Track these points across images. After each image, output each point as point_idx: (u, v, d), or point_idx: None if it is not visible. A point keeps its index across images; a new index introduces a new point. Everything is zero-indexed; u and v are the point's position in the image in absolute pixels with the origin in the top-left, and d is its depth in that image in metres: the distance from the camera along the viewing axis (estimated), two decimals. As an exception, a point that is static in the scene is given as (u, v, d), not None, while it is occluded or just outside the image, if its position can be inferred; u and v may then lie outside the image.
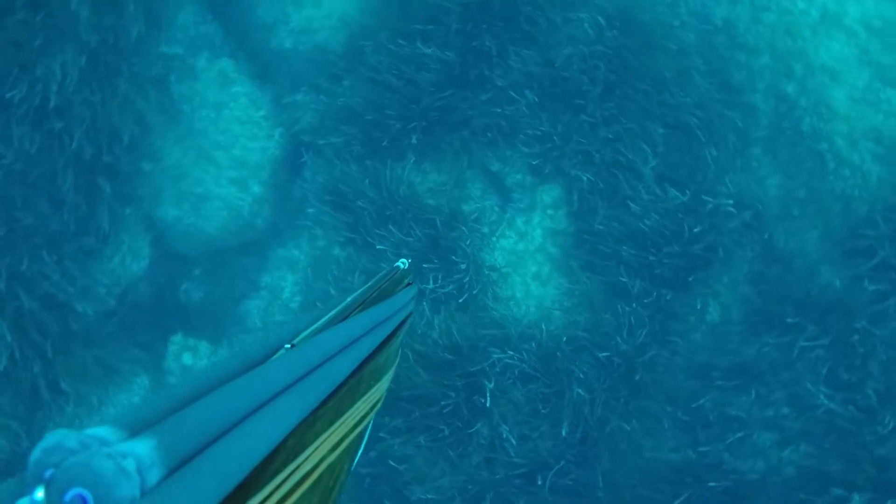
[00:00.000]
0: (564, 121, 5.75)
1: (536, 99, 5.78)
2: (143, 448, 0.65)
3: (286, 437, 0.90)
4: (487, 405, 5.36)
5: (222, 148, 6.20)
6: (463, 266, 5.67)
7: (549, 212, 5.97)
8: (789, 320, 5.53)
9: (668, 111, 5.81)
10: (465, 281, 5.67)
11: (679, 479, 5.46)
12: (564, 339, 5.65)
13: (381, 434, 5.37)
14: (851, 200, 5.74)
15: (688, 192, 5.79)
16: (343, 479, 1.19)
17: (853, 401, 5.26)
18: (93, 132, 5.43)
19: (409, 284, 1.94)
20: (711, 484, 5.32)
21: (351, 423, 1.19)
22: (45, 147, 5.31)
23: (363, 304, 1.48)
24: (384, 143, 5.83)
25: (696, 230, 5.68)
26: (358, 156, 5.91)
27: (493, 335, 5.62)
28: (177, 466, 0.69)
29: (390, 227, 5.74)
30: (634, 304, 5.70)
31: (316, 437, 1.02)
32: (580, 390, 5.46)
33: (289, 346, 1.08)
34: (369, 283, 1.68)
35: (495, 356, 5.48)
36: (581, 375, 5.51)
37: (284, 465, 0.90)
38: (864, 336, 5.35)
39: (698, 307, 5.80)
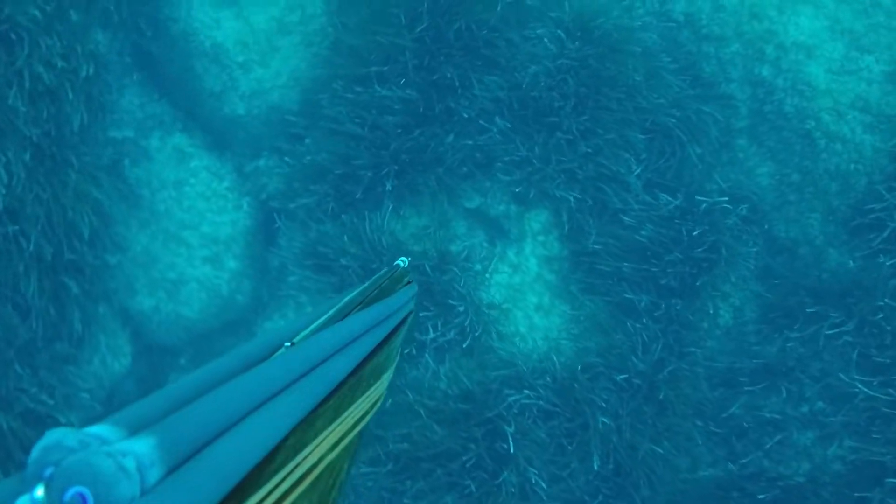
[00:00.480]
0: (540, 142, 5.50)
1: (508, 124, 5.53)
2: (143, 446, 0.64)
3: (286, 435, 0.90)
4: (511, 451, 5.03)
5: (190, 227, 5.91)
6: (461, 309, 5.37)
7: (540, 238, 5.70)
8: (809, 310, 5.27)
9: (645, 115, 5.58)
10: (465, 324, 5.36)
11: (724, 495, 5.14)
12: (579, 367, 5.36)
13: (405, 501, 5.03)
14: (849, 176, 5.51)
15: (679, 195, 5.55)
16: (343, 478, 1.16)
17: (891, 383, 4.98)
18: (50, 230, 5.11)
19: (409, 283, 1.88)
20: (760, 496, 5.01)
21: (351, 421, 1.17)
22: (1, 253, 4.98)
23: (363, 302, 1.46)
24: (358, 195, 5.55)
25: (694, 233, 5.42)
26: (333, 213, 5.62)
27: (504, 376, 5.31)
28: (177, 465, 0.68)
29: (377, 281, 5.43)
30: (644, 320, 5.43)
31: (316, 436, 1.01)
32: (604, 419, 5.15)
33: (289, 344, 1.07)
34: (369, 282, 1.65)
35: (511, 398, 5.18)
36: (602, 404, 5.21)
37: (284, 464, 0.89)
38: (889, 313, 5.08)
39: (711, 312, 5.53)
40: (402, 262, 2.06)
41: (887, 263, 5.16)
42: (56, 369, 5.25)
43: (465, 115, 5.49)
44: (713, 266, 5.48)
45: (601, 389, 5.26)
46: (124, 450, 0.63)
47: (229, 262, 5.93)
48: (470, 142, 5.54)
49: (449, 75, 5.48)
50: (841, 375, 5.12)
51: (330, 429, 1.06)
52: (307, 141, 5.81)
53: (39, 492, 0.61)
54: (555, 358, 5.42)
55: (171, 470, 0.67)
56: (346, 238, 5.52)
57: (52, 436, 0.63)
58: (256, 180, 6.03)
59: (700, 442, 5.34)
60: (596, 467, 5.11)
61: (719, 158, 5.75)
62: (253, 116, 6.03)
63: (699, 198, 5.54)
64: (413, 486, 5.03)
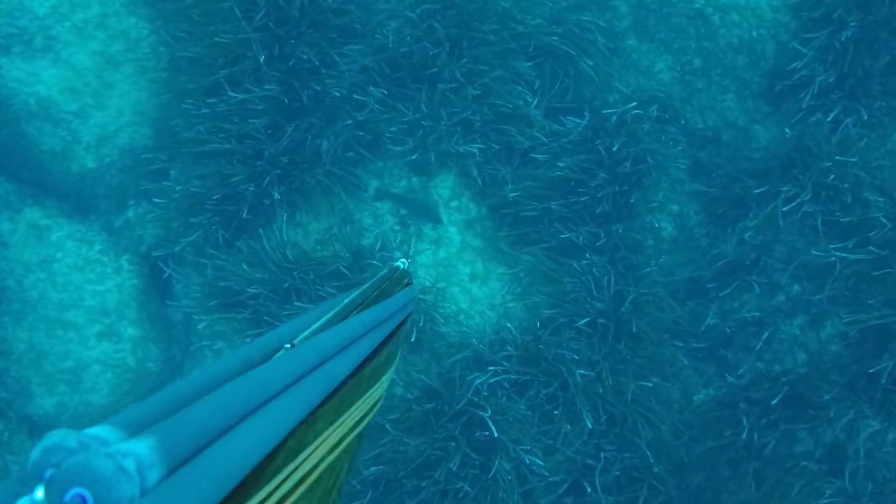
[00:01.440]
0: (425, 99, 4.97)
1: (385, 91, 4.99)
2: (142, 448, 0.64)
3: (286, 436, 0.88)
4: (495, 435, 4.50)
5: (72, 306, 5.23)
6: (394, 303, 4.81)
7: (454, 203, 5.18)
8: (756, 192, 4.85)
9: (526, 40, 5.09)
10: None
11: (731, 413, 4.71)
12: (537, 325, 4.86)
13: (399, 527, 4.47)
14: (754, 44, 5.12)
15: (585, 114, 5.09)
16: (343, 479, 1.15)
17: (867, 240, 4.59)
18: None
19: (409, 284, 1.83)
20: (772, 402, 4.58)
21: (351, 423, 1.16)
22: None
23: (363, 303, 1.43)
24: (245, 214, 4.93)
25: (613, 149, 4.97)
26: (224, 242, 5.00)
27: (462, 360, 4.79)
28: (177, 466, 0.67)
29: (296, 301, 4.85)
30: (588, 255, 4.96)
31: (316, 437, 0.99)
32: (581, 371, 4.67)
33: (289, 345, 1.05)
34: (369, 284, 1.59)
35: (477, 380, 4.65)
36: (574, 356, 4.72)
37: (284, 465, 0.88)
38: (840, 170, 4.70)
39: (656, 226, 5.10)
40: (402, 263, 1.98)
41: (825, 120, 4.77)
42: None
43: (337, 94, 4.92)
44: (643, 177, 5.04)
45: (568, 342, 4.77)
46: (124, 451, 0.62)
47: (127, 330, 5.27)
48: (349, 121, 4.98)
49: (305, 57, 4.90)
50: (812, 251, 4.73)
51: (330, 430, 1.05)
52: (173, 173, 5.18)
53: (39, 493, 0.59)
54: (508, 324, 4.93)
55: (172, 471, 0.66)
56: (245, 266, 4.91)
57: (52, 437, 0.62)
58: (130, 233, 5.38)
59: (687, 363, 4.90)
60: (590, 425, 4.62)
61: (613, 65, 5.31)
62: (106, 166, 5.38)
63: (606, 111, 5.09)
64: (402, 508, 4.47)
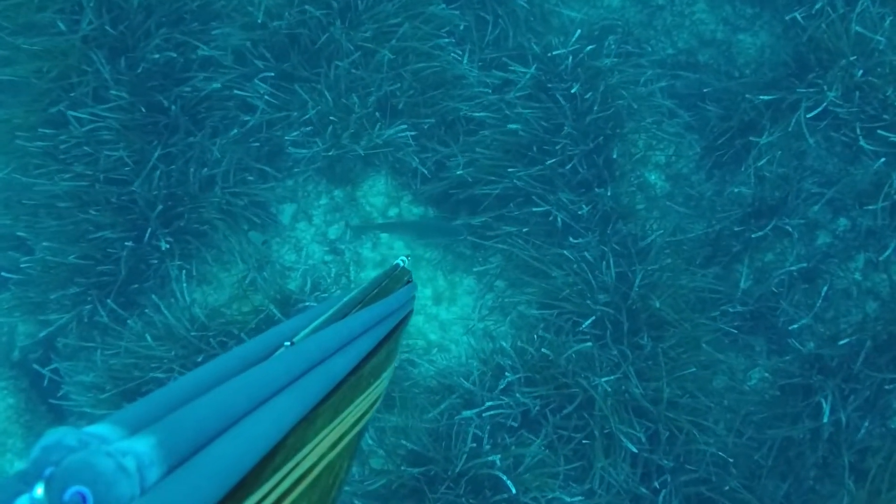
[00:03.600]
0: (328, 83, 3.85)
1: (272, 74, 3.85)
2: (142, 446, 0.63)
3: (286, 434, 0.87)
4: (513, 492, 3.35)
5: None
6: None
7: (392, 212, 4.06)
8: (760, 100, 3.80)
9: (439, -14, 4.01)
10: (361, 367, 3.65)
11: (805, 385, 3.62)
12: (535, 338, 3.74)
13: None
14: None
15: (531, 60, 4.03)
16: (343, 477, 1.12)
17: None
18: None
19: (408, 282, 1.74)
20: (856, 365, 3.49)
21: (350, 421, 1.13)
22: None
23: (363, 301, 1.40)
24: (125, 277, 3.75)
25: (573, 90, 3.89)
26: (112, 319, 3.81)
27: (450, 406, 3.65)
28: (177, 464, 0.66)
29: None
30: (573, 235, 3.86)
31: (316, 435, 0.98)
32: (605, 378, 3.54)
33: (289, 343, 1.05)
34: (369, 282, 1.57)
35: (472, 426, 3.50)
36: (591, 363, 3.60)
37: (284, 463, 0.86)
38: (868, 62, 3.67)
39: (652, 181, 4.03)
40: (402, 261, 1.87)
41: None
42: None
43: (217, 86, 3.78)
44: (618, 123, 3.98)
45: (577, 350, 3.65)
46: (124, 449, 0.61)
47: (14, 465, 4.16)
48: (235, 130, 3.83)
49: (158, 56, 3.75)
50: (850, 171, 3.68)
51: (330, 428, 1.03)
52: (35, 246, 3.97)
53: (39, 491, 0.58)
54: (498, 344, 3.81)
55: (171, 469, 0.65)
56: (149, 337, 3.73)
57: (53, 435, 0.61)
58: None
59: (737, 338, 3.82)
60: (635, 449, 3.48)
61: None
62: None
63: (557, 52, 4.02)
64: None
